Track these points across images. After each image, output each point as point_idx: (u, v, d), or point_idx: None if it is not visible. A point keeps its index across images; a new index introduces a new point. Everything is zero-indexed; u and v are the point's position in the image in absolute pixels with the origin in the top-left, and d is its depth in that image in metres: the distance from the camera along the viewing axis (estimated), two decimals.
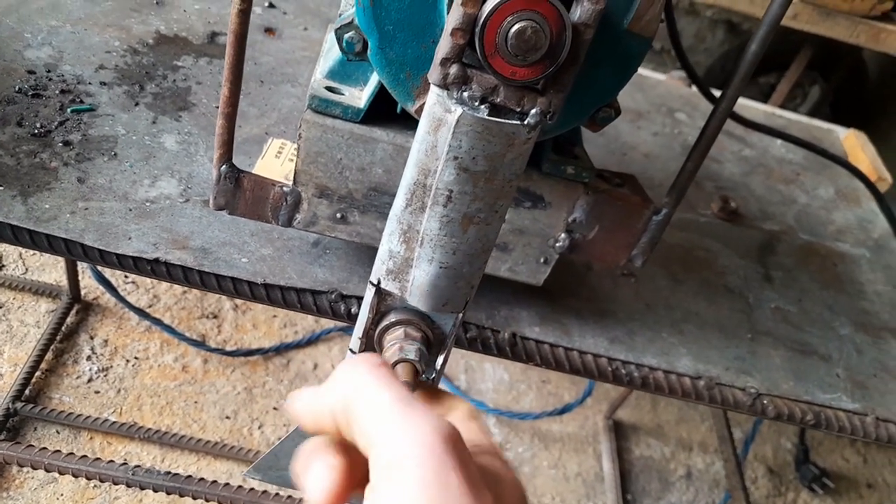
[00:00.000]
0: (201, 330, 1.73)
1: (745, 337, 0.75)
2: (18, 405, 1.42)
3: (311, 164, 0.55)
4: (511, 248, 0.61)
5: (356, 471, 0.32)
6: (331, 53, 0.58)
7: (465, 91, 0.39)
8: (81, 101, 0.73)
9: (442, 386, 0.44)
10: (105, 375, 1.58)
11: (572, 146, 0.59)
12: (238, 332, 1.76)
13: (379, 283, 0.43)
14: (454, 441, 0.29)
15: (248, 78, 0.65)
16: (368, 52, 0.48)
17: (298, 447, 0.53)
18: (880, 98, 2.72)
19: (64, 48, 0.79)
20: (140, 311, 1.65)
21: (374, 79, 0.54)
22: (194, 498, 1.08)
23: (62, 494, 1.37)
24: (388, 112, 0.55)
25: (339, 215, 0.58)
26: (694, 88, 1.23)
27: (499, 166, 0.39)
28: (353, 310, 0.62)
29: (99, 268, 1.59)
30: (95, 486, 1.39)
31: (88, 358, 1.60)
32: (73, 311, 1.65)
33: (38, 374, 1.51)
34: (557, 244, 0.60)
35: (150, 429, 1.43)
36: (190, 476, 1.08)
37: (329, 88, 0.55)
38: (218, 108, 0.52)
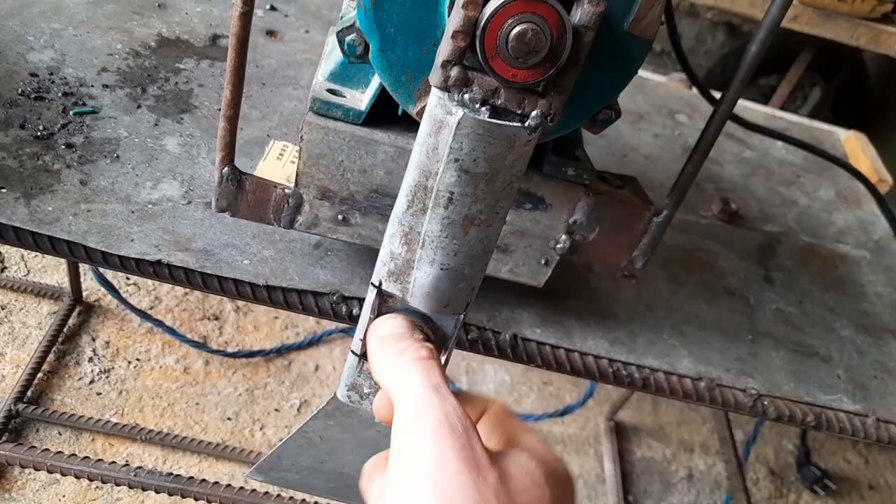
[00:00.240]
0: (203, 331, 1.73)
1: (745, 338, 0.75)
2: (20, 407, 1.42)
3: (313, 166, 0.55)
4: (512, 250, 0.61)
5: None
6: (332, 56, 0.58)
7: (466, 93, 0.40)
8: (84, 104, 0.73)
9: None
10: (107, 377, 1.58)
11: (573, 148, 0.59)
12: (239, 333, 1.76)
13: (380, 284, 0.43)
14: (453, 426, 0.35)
15: (249, 80, 0.65)
16: (370, 54, 0.48)
17: (300, 449, 0.54)
18: (881, 100, 2.72)
19: (66, 51, 0.79)
20: (142, 313, 1.65)
21: (375, 81, 0.54)
22: (196, 499, 1.08)
23: (64, 496, 1.37)
24: (389, 114, 0.55)
25: (340, 217, 0.58)
26: (694, 90, 1.23)
27: (500, 168, 0.39)
28: (354, 311, 0.62)
29: (101, 270, 1.59)
30: (97, 487, 1.39)
31: (90, 359, 1.60)
32: (75, 313, 1.65)
33: (39, 375, 1.51)
34: (558, 246, 0.60)
35: (151, 430, 1.43)
36: (191, 477, 1.08)
37: (330, 91, 0.55)
38: (220, 110, 0.53)
